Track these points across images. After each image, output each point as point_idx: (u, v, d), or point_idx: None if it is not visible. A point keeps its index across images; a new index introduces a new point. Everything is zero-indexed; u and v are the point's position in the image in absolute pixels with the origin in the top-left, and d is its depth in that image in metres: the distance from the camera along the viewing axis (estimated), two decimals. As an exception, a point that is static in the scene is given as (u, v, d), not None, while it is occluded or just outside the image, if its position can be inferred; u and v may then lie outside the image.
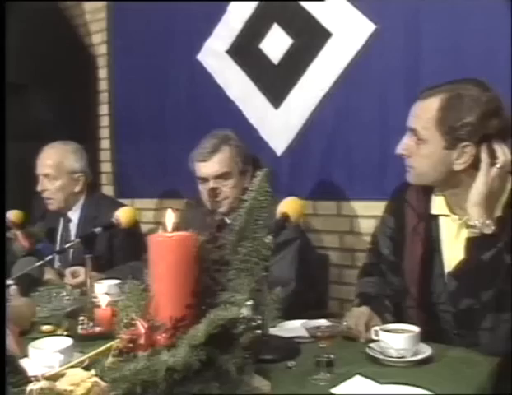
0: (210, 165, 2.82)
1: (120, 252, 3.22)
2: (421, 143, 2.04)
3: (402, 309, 2.21)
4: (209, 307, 1.49)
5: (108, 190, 4.63)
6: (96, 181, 4.34)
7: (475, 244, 1.95)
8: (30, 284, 2.52)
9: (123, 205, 3.33)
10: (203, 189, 2.83)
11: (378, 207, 3.00)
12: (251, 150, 3.55)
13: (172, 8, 4.05)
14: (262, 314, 1.70)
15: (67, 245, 2.57)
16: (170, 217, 1.57)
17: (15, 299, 2.30)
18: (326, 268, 3.24)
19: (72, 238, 3.35)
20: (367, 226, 3.24)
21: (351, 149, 3.30)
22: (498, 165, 1.96)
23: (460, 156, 2.01)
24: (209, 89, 3.85)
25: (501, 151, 1.97)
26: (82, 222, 3.37)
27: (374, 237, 2.45)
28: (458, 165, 2.02)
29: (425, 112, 2.03)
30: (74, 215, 3.41)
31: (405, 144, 2.08)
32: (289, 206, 2.10)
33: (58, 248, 3.32)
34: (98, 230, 2.47)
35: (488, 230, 1.92)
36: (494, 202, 1.99)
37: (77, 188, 3.38)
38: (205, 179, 2.82)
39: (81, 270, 2.75)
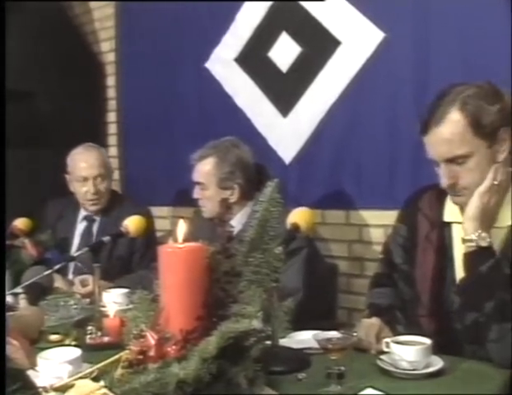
0: (194, 171, 2.92)
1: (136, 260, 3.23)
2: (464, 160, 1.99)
3: (413, 319, 2.17)
4: (220, 319, 1.47)
5: None
6: None
7: (472, 258, 1.92)
8: (39, 293, 2.50)
9: (144, 208, 3.37)
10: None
11: (387, 216, 3.04)
12: (259, 158, 3.55)
13: (180, 16, 4.04)
14: (273, 326, 1.68)
15: (75, 254, 2.55)
16: (182, 228, 1.55)
17: (23, 308, 2.28)
18: (335, 277, 3.21)
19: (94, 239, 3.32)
20: (376, 235, 3.23)
21: (360, 157, 3.27)
22: (495, 181, 1.94)
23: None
24: (217, 97, 3.83)
25: (501, 169, 1.95)
26: (105, 222, 3.35)
27: (385, 246, 2.42)
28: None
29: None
30: (97, 215, 3.39)
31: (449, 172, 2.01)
32: (299, 216, 2.08)
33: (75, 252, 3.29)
34: (106, 238, 2.45)
35: (484, 243, 1.90)
36: (491, 215, 1.97)
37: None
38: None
39: (90, 279, 2.74)
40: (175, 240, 1.54)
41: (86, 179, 3.30)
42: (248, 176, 2.87)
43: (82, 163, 3.32)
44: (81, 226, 3.42)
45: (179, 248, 1.50)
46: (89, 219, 3.41)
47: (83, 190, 3.31)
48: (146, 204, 3.98)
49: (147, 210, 3.40)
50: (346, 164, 3.33)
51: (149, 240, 3.15)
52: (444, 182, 2.00)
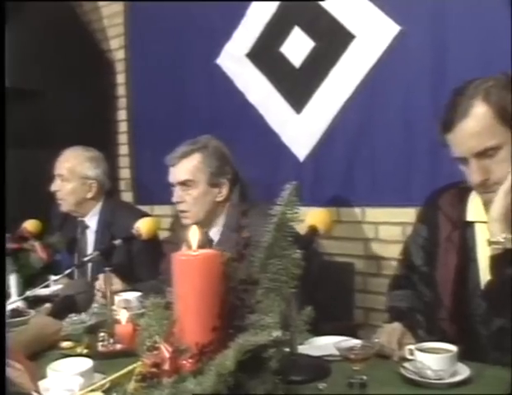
0: (175, 171, 2.73)
1: (140, 263, 3.16)
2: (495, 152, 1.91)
3: (435, 323, 2.10)
4: (237, 330, 1.40)
5: (127, 196, 4.59)
6: (115, 187, 4.30)
7: (499, 262, 1.84)
8: (67, 308, 2.39)
9: (140, 211, 3.37)
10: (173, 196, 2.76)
11: (403, 214, 3.03)
12: (273, 156, 3.51)
13: (190, 12, 3.98)
14: (291, 334, 1.61)
15: (85, 259, 2.49)
16: (195, 234, 1.48)
17: (36, 317, 2.17)
18: (351, 277, 3.15)
19: (90, 245, 3.33)
20: (393, 233, 3.16)
21: (375, 154, 3.21)
22: None
23: None
24: (229, 94, 3.78)
25: None
26: (100, 229, 3.32)
27: (405, 248, 2.35)
28: None
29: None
30: (91, 221, 3.36)
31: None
32: (317, 218, 2.01)
33: (76, 257, 3.29)
34: (118, 242, 2.41)
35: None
36: None
37: (90, 195, 3.34)
38: (173, 185, 2.75)
39: (113, 277, 2.66)
40: (189, 247, 1.47)
41: (55, 176, 3.35)
42: (234, 171, 2.77)
43: (57, 161, 3.37)
44: (78, 231, 3.42)
45: (193, 256, 1.43)
46: (82, 224, 3.40)
47: (52, 187, 3.35)
48: (158, 203, 3.95)
49: (143, 214, 3.32)
50: (361, 160, 3.27)
51: (150, 244, 3.06)
52: (476, 178, 1.91)
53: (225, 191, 2.72)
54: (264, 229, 1.50)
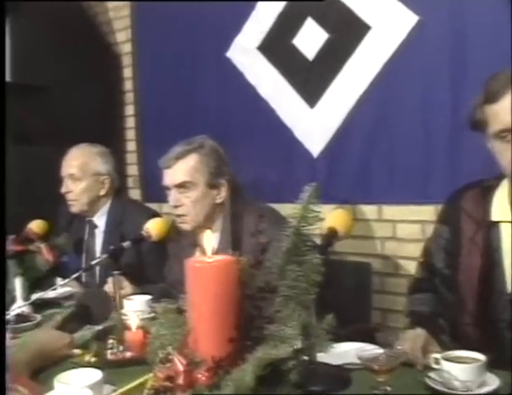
0: (171, 173, 2.67)
1: (151, 264, 3.13)
2: None
3: (458, 328, 2.06)
4: (255, 342, 1.36)
5: (134, 194, 4.56)
6: (123, 185, 4.26)
7: None
8: (81, 319, 2.24)
9: (150, 210, 3.35)
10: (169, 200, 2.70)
11: (422, 211, 3.02)
12: (285, 152, 3.47)
13: (199, 4, 3.92)
14: (311, 343, 1.54)
15: (93, 262, 2.44)
16: (210, 239, 1.44)
17: (40, 331, 2.09)
18: (368, 277, 3.06)
19: (99, 245, 3.29)
20: (411, 232, 3.12)
21: (392, 149, 3.16)
22: None
23: None
24: (240, 88, 3.74)
25: None
26: (109, 228, 3.28)
27: (426, 249, 2.31)
28: None
29: None
30: (100, 220, 3.32)
31: None
32: (337, 219, 1.95)
33: (84, 258, 3.24)
34: (127, 244, 2.37)
35: None
36: None
37: (102, 192, 3.30)
38: (168, 188, 2.70)
39: (124, 280, 2.67)
40: (203, 253, 1.43)
41: (63, 178, 3.29)
42: (230, 172, 2.72)
43: (64, 161, 3.30)
44: (86, 231, 3.38)
45: (207, 263, 1.38)
46: (90, 223, 3.35)
47: (63, 189, 3.29)
48: (167, 200, 3.90)
49: (154, 212, 3.33)
50: (377, 156, 3.22)
51: (160, 243, 3.01)
52: None
53: (223, 192, 2.67)
54: (282, 233, 1.44)
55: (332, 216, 1.98)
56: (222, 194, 2.67)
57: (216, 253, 1.45)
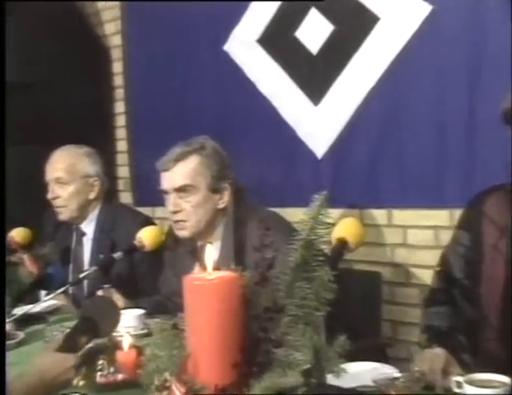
0: (170, 176, 2.63)
1: (144, 274, 3.08)
2: None
3: (479, 344, 2.04)
4: (261, 368, 1.31)
5: (126, 197, 4.54)
6: (113, 188, 4.22)
7: None
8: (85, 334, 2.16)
9: (143, 215, 3.33)
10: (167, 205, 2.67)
11: (435, 216, 3.02)
12: (287, 153, 3.45)
13: (194, -8, 3.91)
14: (322, 368, 1.50)
15: (82, 275, 2.41)
16: (211, 253, 1.40)
17: (39, 357, 2.01)
18: (377, 286, 3.06)
19: (87, 254, 3.24)
20: (423, 238, 3.11)
21: (403, 149, 3.14)
22: None
23: None
24: (238, 84, 3.72)
25: None
26: (98, 236, 3.22)
27: (443, 257, 2.29)
28: None
29: None
30: (88, 227, 3.27)
31: None
32: (347, 229, 1.91)
33: (71, 268, 3.19)
34: (118, 255, 2.34)
35: None
36: None
37: (92, 195, 3.24)
38: (166, 193, 2.66)
39: (114, 292, 2.61)
40: (203, 268, 1.43)
41: (48, 183, 3.22)
42: (233, 175, 2.69)
43: (48, 165, 3.23)
44: (73, 239, 3.32)
45: (208, 280, 1.35)
46: (78, 230, 3.30)
47: (49, 195, 3.22)
48: (160, 204, 3.86)
49: (147, 218, 3.30)
50: (387, 157, 3.21)
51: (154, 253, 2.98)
52: None
53: (226, 197, 2.64)
54: (289, 247, 1.40)
55: (342, 226, 1.95)
56: (225, 199, 2.63)
57: (217, 264, 1.42)
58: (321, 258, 1.41)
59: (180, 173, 2.61)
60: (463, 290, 2.14)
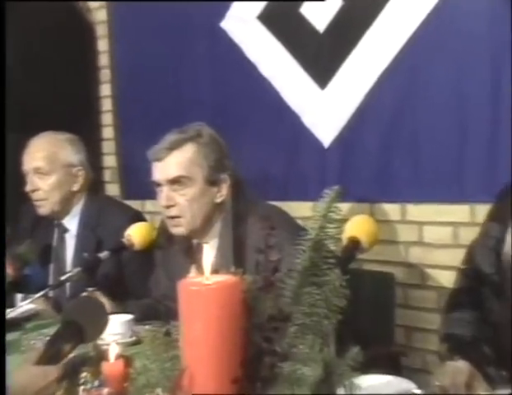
0: (163, 166, 2.63)
1: (133, 275, 3.08)
2: None
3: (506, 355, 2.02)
4: (265, 383, 1.31)
5: (112, 189, 4.54)
6: (98, 179, 4.23)
7: None
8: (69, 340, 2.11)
9: (132, 210, 3.36)
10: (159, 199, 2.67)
11: (454, 212, 3.02)
12: (291, 141, 3.44)
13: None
14: (333, 383, 1.48)
15: (63, 277, 2.39)
16: (208, 255, 1.39)
17: (18, 372, 1.97)
18: (390, 289, 3.06)
19: (70, 253, 3.23)
20: (440, 236, 3.10)
21: (418, 138, 3.14)
22: None
23: None
24: (236, 65, 3.72)
25: None
26: (82, 232, 3.22)
27: (469, 254, 2.30)
28: None
29: None
30: (71, 223, 3.26)
31: None
32: (359, 227, 1.91)
33: (52, 269, 3.19)
34: (104, 254, 2.34)
35: None
36: None
37: (76, 186, 3.24)
38: (159, 185, 2.65)
39: (99, 295, 2.57)
40: (200, 271, 1.38)
41: (26, 174, 3.20)
42: (232, 166, 2.69)
43: (26, 154, 3.21)
44: (55, 236, 3.31)
45: (206, 285, 1.33)
46: (60, 226, 3.29)
47: (28, 187, 3.21)
48: (150, 197, 3.85)
49: (136, 213, 3.31)
50: (400, 146, 3.21)
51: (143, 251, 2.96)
52: None
53: (225, 190, 2.64)
54: (296, 247, 1.39)
55: (354, 223, 1.95)
56: (223, 192, 2.63)
57: (215, 265, 1.41)
58: (332, 261, 1.40)
59: (174, 163, 2.60)
60: (492, 287, 2.14)
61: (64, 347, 1.80)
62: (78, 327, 1.81)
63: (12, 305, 2.60)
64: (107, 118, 4.61)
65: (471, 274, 2.24)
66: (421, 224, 3.19)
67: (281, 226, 2.23)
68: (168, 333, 1.47)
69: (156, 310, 2.59)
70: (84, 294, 2.53)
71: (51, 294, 3.00)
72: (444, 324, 2.23)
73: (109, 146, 4.59)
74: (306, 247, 1.40)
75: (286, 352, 1.34)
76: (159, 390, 1.38)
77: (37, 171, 3.17)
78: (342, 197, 1.72)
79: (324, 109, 3.40)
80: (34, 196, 3.18)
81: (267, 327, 1.36)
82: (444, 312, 2.27)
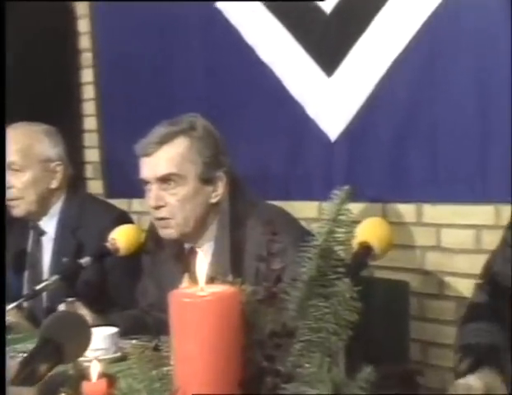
0: (152, 162, 2.65)
1: (117, 283, 3.11)
2: None
3: None
4: None
5: (95, 187, 4.56)
6: (79, 175, 4.25)
7: None
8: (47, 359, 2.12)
9: (116, 210, 3.40)
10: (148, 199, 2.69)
11: (476, 214, 3.02)
12: (294, 134, 3.44)
13: None
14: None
15: (39, 286, 2.39)
16: (203, 263, 1.39)
17: None
18: (404, 299, 3.06)
19: (47, 259, 3.25)
20: (461, 240, 3.10)
21: (436, 131, 3.13)
22: None
23: None
24: (233, 48, 3.73)
25: None
26: (61, 235, 3.24)
27: (487, 266, 2.28)
28: None
29: None
30: (48, 225, 3.28)
31: None
32: (371, 231, 1.91)
33: (27, 276, 3.21)
34: (86, 260, 2.34)
35: None
36: None
37: (54, 184, 3.26)
38: (147, 183, 2.68)
39: (80, 306, 2.60)
40: (194, 281, 1.39)
41: None
42: (228, 162, 2.71)
43: None
44: (30, 240, 3.33)
45: (200, 297, 1.34)
46: (36, 229, 3.30)
47: None
48: (137, 195, 3.86)
49: (122, 214, 3.34)
50: (416, 140, 3.20)
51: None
52: None
53: (220, 189, 2.66)
54: (302, 255, 1.40)
55: (365, 227, 1.96)
56: (219, 191, 2.65)
57: (209, 272, 1.41)
58: (341, 269, 1.41)
59: (164, 159, 2.61)
60: None
61: (41, 367, 1.79)
62: (57, 346, 1.81)
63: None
64: (89, 107, 4.61)
65: (488, 288, 2.23)
66: (438, 226, 3.18)
67: (285, 231, 2.25)
68: (157, 349, 1.49)
69: (144, 322, 2.61)
70: (62, 307, 2.54)
71: (25, 305, 3.02)
72: (459, 336, 2.22)
73: (91, 139, 4.60)
74: (313, 254, 1.40)
75: (290, 372, 1.34)
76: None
77: (10, 167, 3.18)
78: (353, 197, 1.73)
79: (331, 98, 3.40)
80: (8, 194, 3.19)
81: (268, 343, 1.37)
82: (461, 324, 2.27)
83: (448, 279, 3.15)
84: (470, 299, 2.37)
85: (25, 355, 1.84)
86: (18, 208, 3.19)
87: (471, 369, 1.98)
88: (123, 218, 3.14)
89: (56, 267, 2.97)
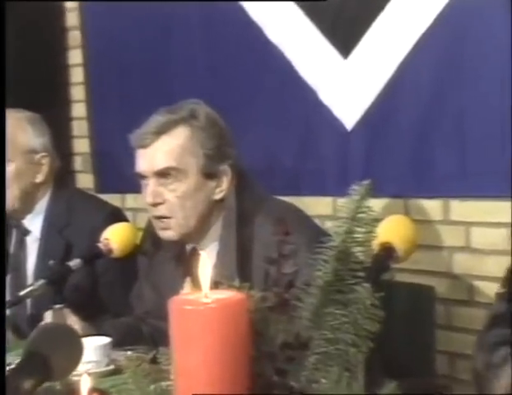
0: (149, 155, 2.66)
1: (110, 287, 3.13)
2: None
3: None
4: None
5: (85, 180, 4.57)
6: (67, 168, 4.26)
7: None
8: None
9: (108, 206, 3.41)
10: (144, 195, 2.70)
11: (508, 210, 2.97)
12: (307, 122, 3.44)
13: None
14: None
15: (23, 292, 2.40)
16: (207, 266, 1.39)
17: None
18: (430, 306, 3.08)
19: (31, 261, 3.27)
20: (492, 240, 3.09)
21: (462, 119, 3.13)
22: None
23: None
24: (239, 28, 3.74)
25: None
26: (47, 235, 3.26)
27: (509, 275, 2.32)
28: None
29: None
30: (33, 223, 3.30)
31: None
32: (393, 231, 1.91)
33: (10, 280, 3.21)
34: (75, 263, 2.33)
35: None
36: None
37: (40, 177, 3.28)
38: (144, 177, 2.69)
39: (68, 313, 2.60)
40: (197, 286, 1.39)
41: None
42: (234, 154, 2.72)
43: None
44: (13, 240, 3.35)
45: (204, 304, 1.34)
46: (19, 228, 3.33)
47: None
48: (132, 190, 3.87)
49: (115, 211, 3.36)
50: (441, 129, 3.20)
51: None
52: None
53: (225, 184, 2.67)
54: (317, 257, 1.41)
55: (386, 226, 1.96)
56: (223, 187, 2.67)
57: (215, 277, 1.42)
58: (360, 273, 1.42)
59: (162, 151, 2.62)
60: None
61: (25, 384, 1.80)
62: (44, 360, 1.81)
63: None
64: (77, 93, 4.62)
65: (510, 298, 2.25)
66: (468, 225, 3.18)
67: (297, 230, 2.25)
68: (155, 361, 1.53)
69: (139, 332, 2.62)
70: (48, 315, 2.55)
71: (8, 312, 3.03)
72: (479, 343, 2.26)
73: (80, 127, 4.61)
74: (329, 256, 1.41)
75: (304, 388, 1.35)
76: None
77: None
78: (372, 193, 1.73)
79: (347, 82, 3.40)
80: None
81: (279, 356, 1.37)
82: (483, 331, 2.30)
83: (478, 283, 3.15)
84: (490, 309, 2.39)
85: (8, 369, 1.85)
86: None
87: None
88: (117, 215, 3.15)
89: (42, 270, 2.97)
